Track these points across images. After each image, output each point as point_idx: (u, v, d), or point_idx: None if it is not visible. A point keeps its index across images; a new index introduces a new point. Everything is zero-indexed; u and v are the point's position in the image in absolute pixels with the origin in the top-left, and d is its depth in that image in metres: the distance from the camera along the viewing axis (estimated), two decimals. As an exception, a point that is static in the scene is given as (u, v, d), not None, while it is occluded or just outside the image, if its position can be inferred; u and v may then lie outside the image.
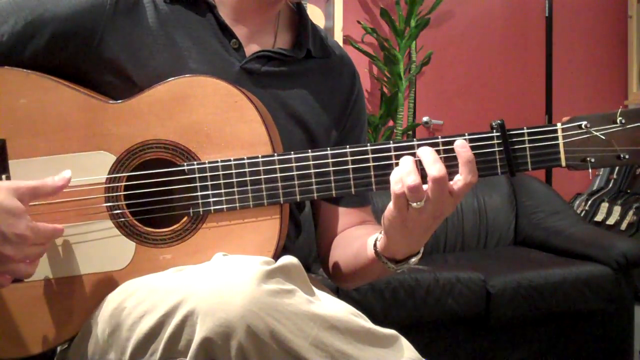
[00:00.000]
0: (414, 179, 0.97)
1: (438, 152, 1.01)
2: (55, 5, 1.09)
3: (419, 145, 1.02)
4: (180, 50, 1.13)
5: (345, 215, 1.28)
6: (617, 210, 3.89)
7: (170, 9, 1.14)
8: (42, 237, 0.97)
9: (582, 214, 4.01)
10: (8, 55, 1.07)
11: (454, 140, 1.01)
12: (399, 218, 1.00)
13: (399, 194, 0.98)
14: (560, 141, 1.02)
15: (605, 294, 2.86)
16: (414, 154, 1.01)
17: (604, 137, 1.01)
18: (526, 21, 4.22)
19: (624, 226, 3.79)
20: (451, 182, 0.99)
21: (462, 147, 1.00)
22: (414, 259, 1.08)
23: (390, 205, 1.00)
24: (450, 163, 1.00)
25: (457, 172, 1.00)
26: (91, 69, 1.10)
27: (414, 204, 0.98)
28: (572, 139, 1.02)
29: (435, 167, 0.98)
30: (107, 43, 1.10)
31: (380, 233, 1.08)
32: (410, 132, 3.80)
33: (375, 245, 1.10)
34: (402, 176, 0.98)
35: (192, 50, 1.14)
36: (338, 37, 3.77)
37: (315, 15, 3.57)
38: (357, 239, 1.19)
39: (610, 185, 4.13)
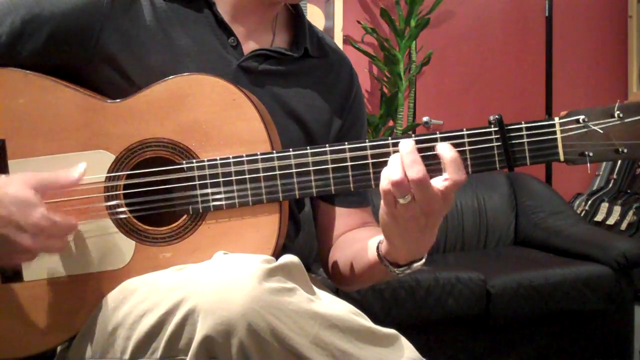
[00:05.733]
0: (396, 174, 0.96)
1: (425, 149, 1.00)
2: (52, 4, 1.08)
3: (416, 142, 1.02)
4: (178, 48, 1.13)
5: (345, 216, 1.28)
6: (617, 210, 3.89)
7: (168, 6, 1.14)
8: (58, 228, 0.97)
9: (582, 214, 4.01)
10: (6, 55, 1.07)
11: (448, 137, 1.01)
12: (389, 215, 1.00)
13: (385, 190, 0.98)
14: (558, 135, 1.01)
15: (605, 294, 2.86)
16: None
17: (602, 131, 1.01)
18: (526, 21, 4.22)
19: (624, 226, 3.78)
20: (440, 181, 0.98)
21: (443, 149, 0.99)
22: (416, 264, 1.08)
23: (382, 202, 1.00)
24: (435, 161, 1.00)
25: (440, 170, 0.99)
26: (89, 68, 1.10)
27: (400, 200, 0.97)
28: (570, 133, 1.01)
29: (413, 169, 0.96)
30: (105, 41, 1.10)
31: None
32: (410, 132, 3.80)
33: (378, 248, 1.09)
34: (389, 173, 0.97)
35: (190, 47, 1.13)
36: (338, 37, 3.77)
37: (315, 15, 3.57)
38: (358, 241, 1.19)
39: (610, 185, 4.12)
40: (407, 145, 0.98)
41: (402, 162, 0.97)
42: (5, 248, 0.95)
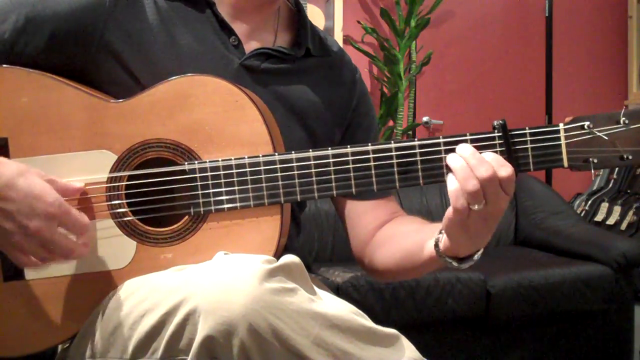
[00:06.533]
0: (471, 184, 0.95)
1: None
2: (55, 2, 1.09)
3: (445, 144, 1.01)
4: (181, 47, 1.13)
5: (374, 208, 1.27)
6: (617, 210, 3.89)
7: (170, 6, 1.15)
8: (71, 220, 0.98)
9: (582, 214, 4.01)
10: (10, 53, 1.08)
11: (456, 142, 1.01)
12: (459, 223, 0.99)
13: (460, 207, 0.97)
14: (563, 142, 1.01)
15: (605, 294, 2.86)
16: (453, 150, 0.99)
17: (606, 138, 1.00)
18: (526, 21, 4.22)
19: (624, 226, 3.79)
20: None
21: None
22: (476, 256, 1.06)
23: (450, 210, 0.99)
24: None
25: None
26: (92, 66, 1.10)
27: (475, 207, 0.96)
28: (575, 139, 1.01)
29: (483, 167, 0.96)
30: (108, 39, 1.10)
31: (441, 233, 1.06)
32: (410, 132, 3.80)
33: (437, 245, 1.07)
34: (462, 186, 0.96)
35: (192, 46, 1.14)
36: (338, 37, 3.77)
37: (315, 15, 3.57)
38: (403, 237, 1.19)
39: (610, 185, 4.13)
40: (467, 149, 0.98)
41: (470, 169, 0.96)
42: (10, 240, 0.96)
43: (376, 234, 1.26)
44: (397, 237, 1.21)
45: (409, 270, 1.19)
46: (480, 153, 0.98)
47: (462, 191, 0.96)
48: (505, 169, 0.97)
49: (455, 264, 1.06)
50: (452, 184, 0.98)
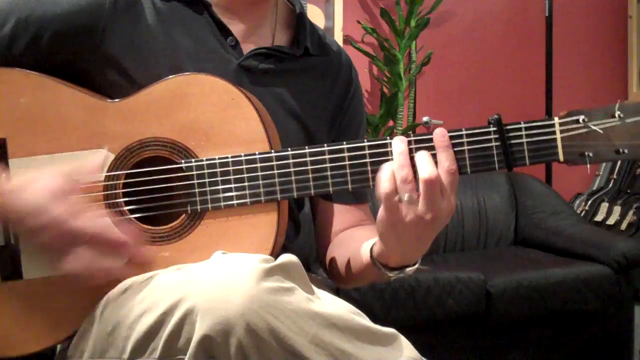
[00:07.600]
0: (406, 172, 0.96)
1: (417, 149, 1.01)
2: (55, 5, 1.09)
3: (416, 143, 1.02)
4: (179, 48, 1.13)
5: (342, 213, 1.28)
6: (617, 210, 3.89)
7: (168, 7, 1.15)
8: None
9: (582, 214, 4.01)
10: (9, 56, 1.08)
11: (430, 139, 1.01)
12: (389, 220, 0.99)
13: (389, 192, 0.97)
14: (558, 135, 1.01)
15: (605, 294, 2.86)
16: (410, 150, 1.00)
17: (602, 132, 1.00)
18: (526, 21, 4.22)
19: (624, 226, 3.78)
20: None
21: (440, 135, 0.99)
22: (408, 269, 1.07)
23: (382, 208, 0.99)
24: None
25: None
26: (92, 68, 1.10)
27: (405, 197, 0.96)
28: (570, 133, 1.01)
29: (427, 168, 0.96)
30: (108, 42, 1.10)
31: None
32: (410, 132, 3.79)
33: (371, 249, 1.08)
34: (395, 170, 0.97)
35: (191, 48, 1.14)
36: (338, 37, 3.77)
37: (315, 15, 3.57)
38: (355, 241, 1.19)
39: (610, 185, 4.12)
40: (423, 152, 0.98)
41: (409, 162, 0.97)
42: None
43: (337, 237, 1.27)
44: (351, 240, 1.21)
45: (353, 275, 1.19)
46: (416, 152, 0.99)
47: (394, 177, 0.96)
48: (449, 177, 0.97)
49: (388, 273, 1.07)
50: (385, 173, 0.98)
